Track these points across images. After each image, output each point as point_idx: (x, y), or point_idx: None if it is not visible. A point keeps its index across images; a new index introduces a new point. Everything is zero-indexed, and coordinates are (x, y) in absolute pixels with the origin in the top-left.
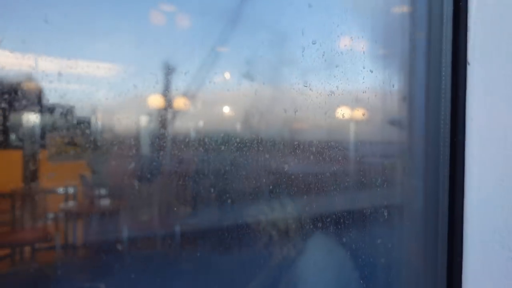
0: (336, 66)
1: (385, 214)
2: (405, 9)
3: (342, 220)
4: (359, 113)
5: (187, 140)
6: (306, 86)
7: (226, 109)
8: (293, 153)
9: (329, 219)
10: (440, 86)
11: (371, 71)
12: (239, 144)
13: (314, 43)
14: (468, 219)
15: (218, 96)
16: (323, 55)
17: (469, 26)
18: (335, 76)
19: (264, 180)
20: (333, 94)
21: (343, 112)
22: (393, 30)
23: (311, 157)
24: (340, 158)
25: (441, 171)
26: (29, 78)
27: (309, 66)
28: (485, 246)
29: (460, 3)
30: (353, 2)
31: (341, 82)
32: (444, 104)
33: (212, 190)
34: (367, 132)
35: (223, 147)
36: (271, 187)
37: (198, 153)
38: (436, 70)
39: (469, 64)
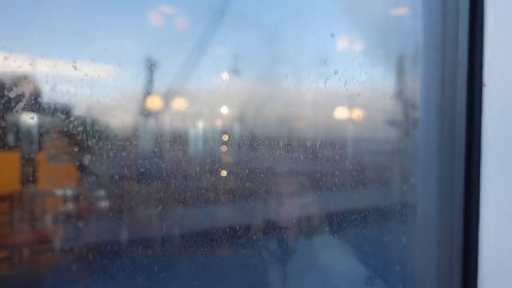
0: (358, 95)
1: (402, 239)
2: (418, 28)
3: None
4: (367, 135)
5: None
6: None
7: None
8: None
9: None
10: (455, 108)
11: (384, 94)
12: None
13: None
14: (483, 250)
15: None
16: (343, 81)
17: (485, 47)
18: (356, 97)
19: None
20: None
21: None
22: (405, 49)
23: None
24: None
25: (456, 196)
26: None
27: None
28: (503, 274)
29: (476, 23)
30: (361, 20)
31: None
32: (458, 127)
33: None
34: (373, 156)
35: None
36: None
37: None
38: (450, 91)
39: (485, 85)
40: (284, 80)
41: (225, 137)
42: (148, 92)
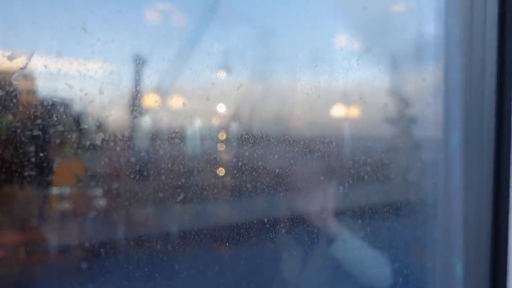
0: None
1: (427, 237)
2: (443, 9)
3: None
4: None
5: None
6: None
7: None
8: None
9: None
10: (483, 96)
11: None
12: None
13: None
14: None
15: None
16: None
17: None
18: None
19: None
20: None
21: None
22: (429, 37)
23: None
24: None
25: (484, 189)
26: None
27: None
28: None
29: (506, 3)
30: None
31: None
32: (487, 116)
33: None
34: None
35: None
36: None
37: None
38: (478, 78)
39: None
40: (280, 78)
41: (222, 135)
42: (141, 90)
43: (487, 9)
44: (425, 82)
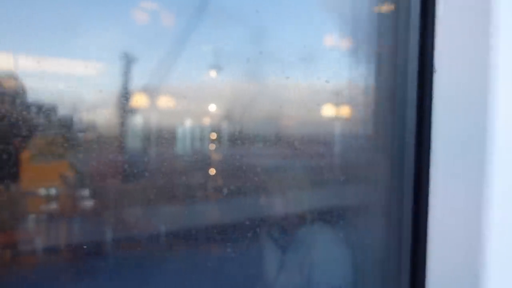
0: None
1: (349, 239)
2: (370, 14)
3: None
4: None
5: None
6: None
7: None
8: None
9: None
10: (406, 94)
11: (327, 82)
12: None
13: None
14: (432, 248)
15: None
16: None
17: (436, 32)
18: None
19: None
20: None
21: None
22: (357, 35)
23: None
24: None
25: (406, 180)
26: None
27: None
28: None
29: (427, 8)
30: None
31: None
32: (409, 114)
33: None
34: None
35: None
36: None
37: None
38: (402, 77)
39: (435, 71)
40: (270, 77)
41: (213, 135)
42: (130, 90)
43: (410, 18)
44: (354, 82)
